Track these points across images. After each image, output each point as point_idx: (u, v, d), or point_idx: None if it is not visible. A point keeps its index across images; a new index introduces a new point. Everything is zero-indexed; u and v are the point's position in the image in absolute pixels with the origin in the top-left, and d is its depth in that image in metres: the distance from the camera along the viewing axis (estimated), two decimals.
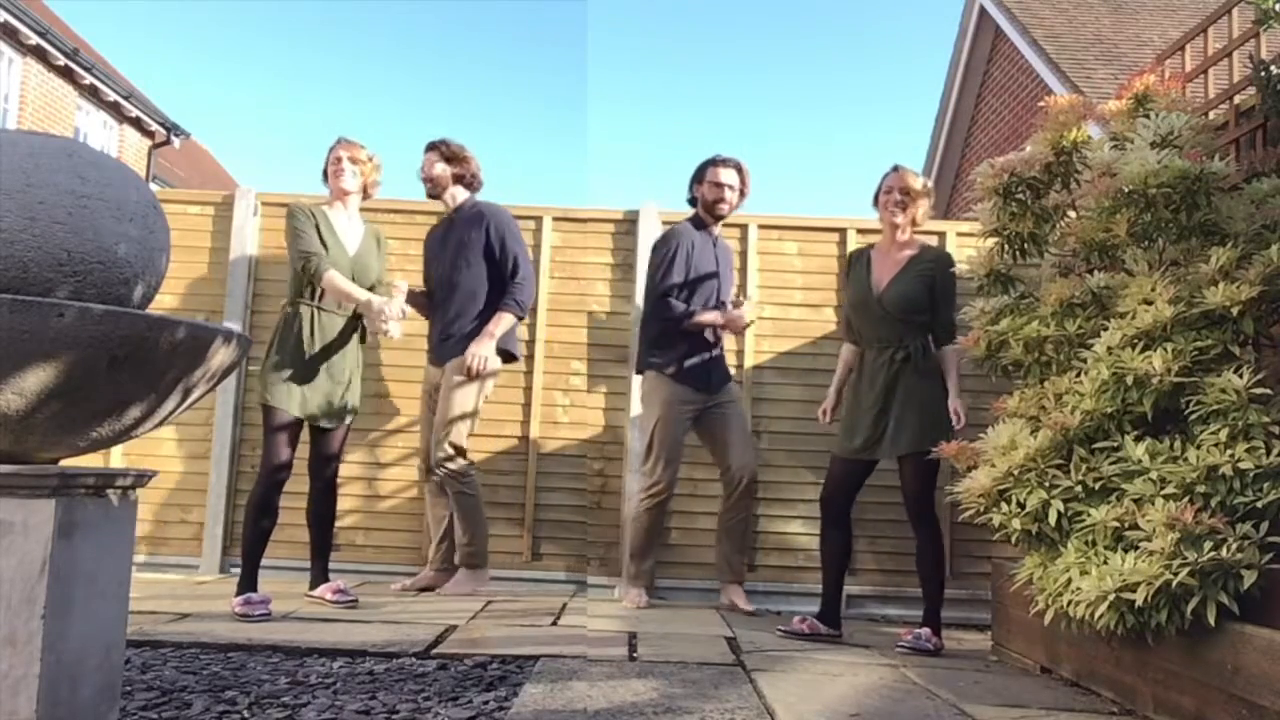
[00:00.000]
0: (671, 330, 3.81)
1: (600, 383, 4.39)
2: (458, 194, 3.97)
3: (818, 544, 3.56)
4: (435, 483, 3.94)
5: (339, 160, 3.54)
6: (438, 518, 3.98)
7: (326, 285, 3.38)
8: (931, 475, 3.28)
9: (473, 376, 3.75)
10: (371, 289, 3.53)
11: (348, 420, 3.53)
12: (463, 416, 3.79)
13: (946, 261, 3.45)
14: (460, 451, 3.80)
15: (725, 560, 3.91)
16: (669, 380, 3.80)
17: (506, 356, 3.92)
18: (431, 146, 3.96)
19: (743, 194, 3.95)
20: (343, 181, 3.53)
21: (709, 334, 3.87)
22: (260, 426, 4.24)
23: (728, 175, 3.89)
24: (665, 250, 3.84)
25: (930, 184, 3.47)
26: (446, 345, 3.85)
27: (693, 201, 3.98)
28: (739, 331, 3.95)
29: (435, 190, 3.97)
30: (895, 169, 3.45)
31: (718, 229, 4.00)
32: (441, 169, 3.93)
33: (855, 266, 3.48)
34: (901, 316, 3.33)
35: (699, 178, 3.93)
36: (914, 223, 3.45)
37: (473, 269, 3.85)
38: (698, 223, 3.94)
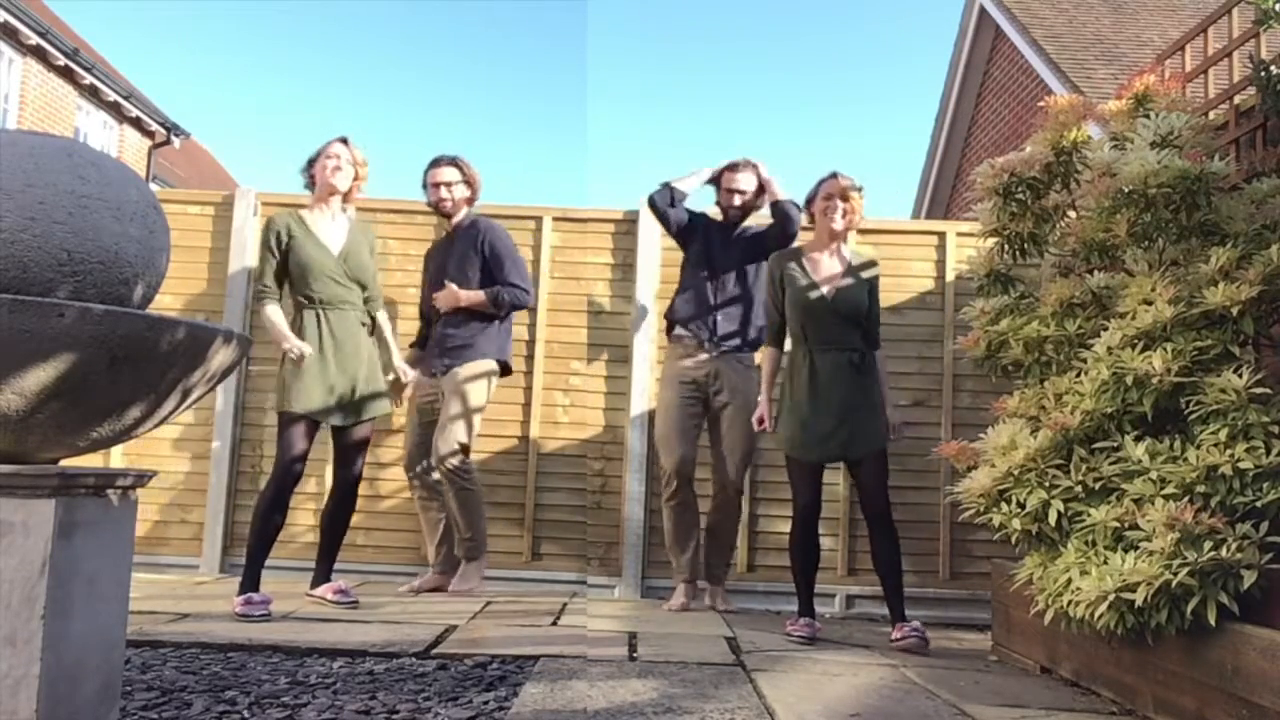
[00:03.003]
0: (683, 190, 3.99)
1: (600, 382, 4.39)
2: (464, 212, 4.02)
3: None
4: (424, 488, 3.97)
5: (337, 157, 3.52)
6: (433, 521, 3.99)
7: (264, 320, 3.44)
8: (887, 470, 3.32)
9: (444, 303, 3.87)
10: (364, 289, 3.53)
11: (368, 416, 3.52)
12: (463, 415, 3.81)
13: (876, 266, 3.51)
14: (464, 449, 3.82)
15: (705, 562, 3.93)
16: (673, 345, 3.95)
17: (503, 369, 3.99)
18: (452, 163, 3.97)
19: (761, 190, 3.98)
20: (337, 179, 3.50)
21: (710, 291, 3.89)
22: (260, 426, 4.27)
23: (743, 180, 3.95)
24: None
25: (863, 189, 3.47)
26: (444, 357, 3.87)
27: (719, 205, 4.05)
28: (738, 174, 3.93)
29: (451, 210, 3.98)
30: (833, 175, 3.46)
31: (745, 225, 4.02)
32: (462, 193, 3.97)
33: (787, 269, 3.44)
34: (852, 318, 3.36)
35: (716, 186, 4.01)
36: (850, 226, 3.44)
37: (469, 284, 3.90)
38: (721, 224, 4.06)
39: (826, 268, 3.41)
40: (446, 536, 3.97)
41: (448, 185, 3.94)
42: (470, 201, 4.02)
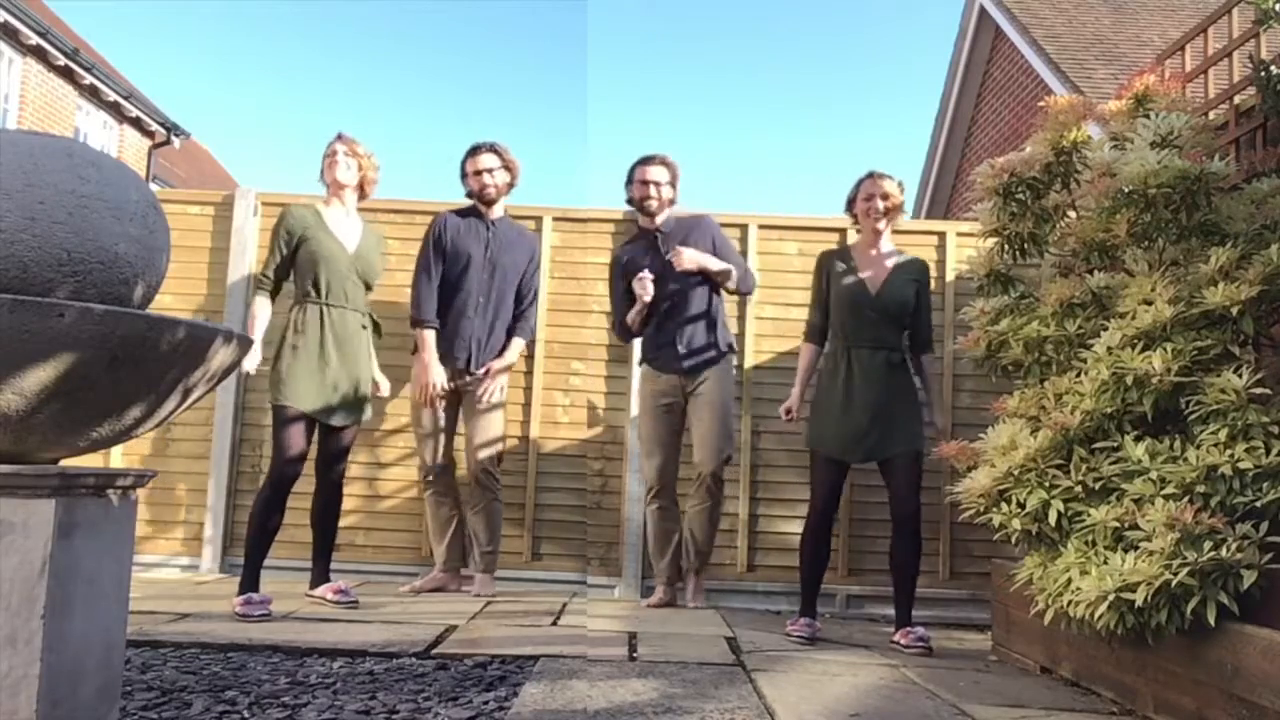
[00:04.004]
0: (640, 330, 3.96)
1: (600, 383, 4.39)
2: (501, 206, 4.03)
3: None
4: (441, 484, 3.94)
5: (334, 153, 3.53)
6: (444, 519, 3.95)
7: (252, 311, 3.47)
8: (921, 473, 3.31)
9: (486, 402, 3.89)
10: (369, 287, 3.55)
11: (361, 418, 3.52)
12: (499, 405, 3.93)
13: (926, 269, 3.52)
14: (499, 439, 3.93)
15: (685, 551, 3.94)
16: (645, 368, 3.96)
17: None
18: (491, 149, 3.95)
19: (673, 186, 3.98)
20: (337, 173, 3.51)
21: (667, 316, 3.86)
22: (261, 426, 4.26)
23: (655, 172, 3.93)
24: (609, 285, 4.09)
25: (903, 182, 3.50)
26: (479, 354, 3.89)
27: (631, 203, 4.04)
28: (650, 287, 3.83)
29: (494, 197, 3.97)
30: (871, 175, 3.48)
31: (660, 220, 3.96)
32: (503, 179, 3.97)
33: (834, 266, 3.47)
34: (896, 316, 3.36)
35: (629, 179, 4.00)
36: (891, 222, 3.47)
37: (514, 289, 3.97)
38: (639, 236, 4.02)
39: (873, 265, 3.43)
40: (456, 535, 3.96)
41: (489, 172, 3.93)
42: (510, 188, 4.02)
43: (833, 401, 3.35)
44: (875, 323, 3.35)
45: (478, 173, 3.93)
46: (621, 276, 3.94)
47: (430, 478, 3.93)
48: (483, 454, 3.85)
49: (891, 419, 3.28)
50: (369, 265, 3.52)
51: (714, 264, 3.85)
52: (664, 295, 3.85)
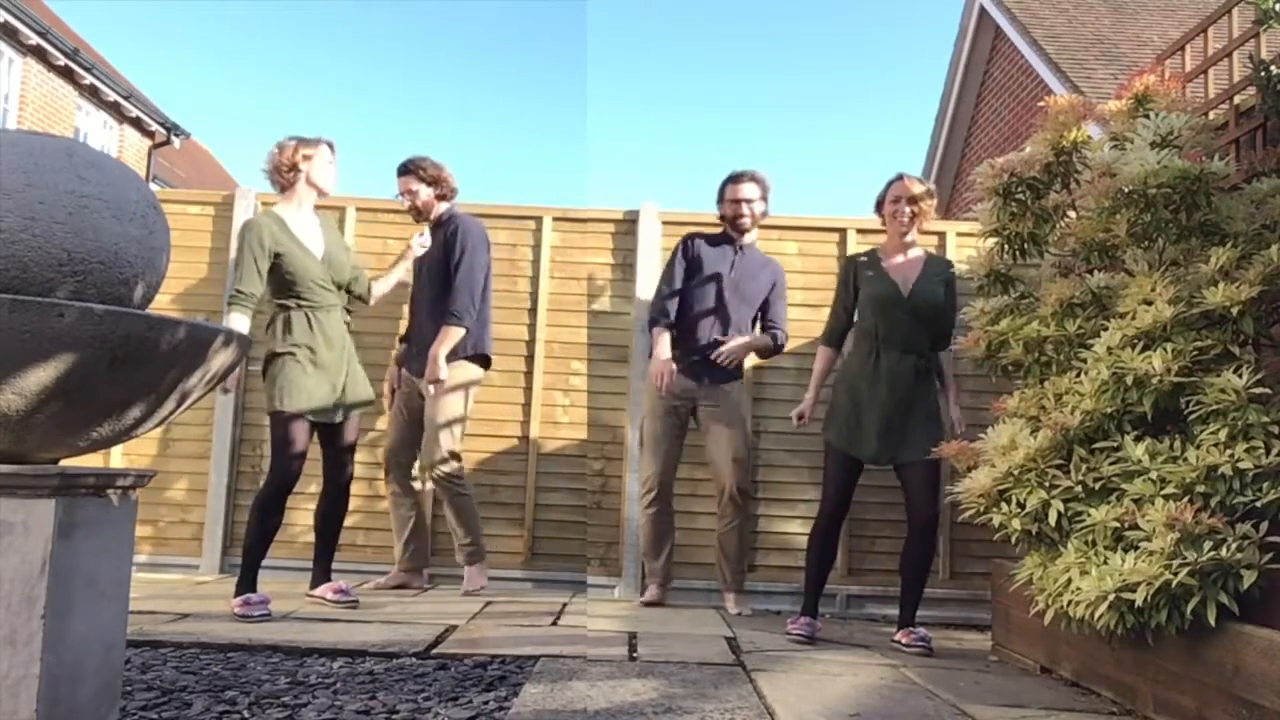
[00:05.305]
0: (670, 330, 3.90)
1: (600, 383, 4.39)
2: (439, 210, 4.00)
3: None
4: (398, 484, 4.01)
5: (330, 159, 3.53)
6: (403, 519, 4.01)
7: (228, 324, 3.31)
8: (939, 479, 3.32)
9: (438, 385, 3.78)
10: (348, 289, 3.55)
11: (357, 412, 3.53)
12: (448, 423, 3.82)
13: (951, 267, 3.54)
14: (454, 455, 3.84)
15: (719, 569, 3.94)
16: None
17: (483, 361, 3.95)
18: (408, 170, 3.95)
19: (765, 200, 3.99)
20: (326, 179, 3.53)
21: (703, 335, 3.88)
22: (260, 426, 4.26)
23: (746, 190, 3.93)
24: (669, 260, 4.02)
25: (933, 186, 3.52)
26: (419, 357, 3.88)
27: (723, 219, 4.02)
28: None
29: (423, 216, 4.00)
30: (900, 178, 3.49)
31: (747, 239, 3.98)
32: (426, 194, 3.95)
33: (864, 269, 3.48)
34: (928, 318, 3.37)
35: (720, 196, 3.98)
36: (919, 226, 3.49)
37: (436, 280, 3.88)
38: (720, 236, 3.99)
39: (902, 268, 3.44)
40: (415, 534, 4.02)
41: (410, 193, 3.96)
42: (442, 198, 3.98)
43: (860, 401, 3.35)
44: (907, 324, 3.36)
45: (400, 195, 4.00)
46: (685, 265, 3.91)
47: (389, 476, 4.02)
48: (440, 470, 3.80)
49: (914, 424, 3.30)
50: (339, 267, 3.49)
51: (750, 350, 3.91)
52: (716, 308, 3.88)
